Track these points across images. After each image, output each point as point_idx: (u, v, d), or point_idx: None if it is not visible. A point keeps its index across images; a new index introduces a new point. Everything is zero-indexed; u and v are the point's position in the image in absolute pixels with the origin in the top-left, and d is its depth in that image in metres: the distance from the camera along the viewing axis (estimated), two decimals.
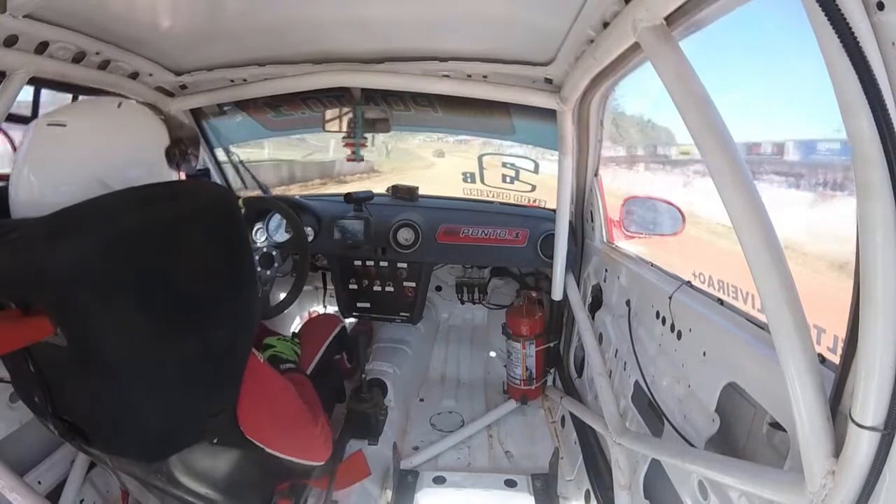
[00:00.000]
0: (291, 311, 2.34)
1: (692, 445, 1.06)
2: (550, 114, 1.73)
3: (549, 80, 1.64)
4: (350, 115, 2.09)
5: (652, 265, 1.49)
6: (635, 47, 0.99)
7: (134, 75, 1.64)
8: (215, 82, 1.87)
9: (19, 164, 0.85)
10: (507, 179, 2.36)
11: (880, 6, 0.52)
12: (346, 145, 2.12)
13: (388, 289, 2.28)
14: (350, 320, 2.53)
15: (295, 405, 1.11)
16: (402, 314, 2.31)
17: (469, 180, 2.53)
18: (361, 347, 1.83)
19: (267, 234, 2.04)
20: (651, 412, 1.31)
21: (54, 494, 1.41)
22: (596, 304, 1.87)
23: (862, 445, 0.58)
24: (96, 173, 0.84)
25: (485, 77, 1.71)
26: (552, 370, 2.23)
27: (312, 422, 1.15)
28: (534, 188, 2.37)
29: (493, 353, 2.59)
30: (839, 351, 0.68)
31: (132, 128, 0.93)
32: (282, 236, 2.02)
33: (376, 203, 2.23)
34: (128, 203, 0.79)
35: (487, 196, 2.48)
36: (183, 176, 1.00)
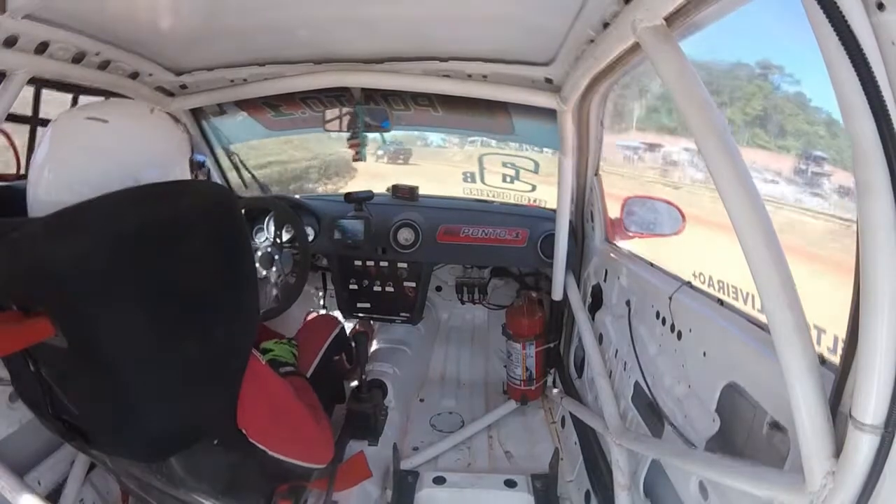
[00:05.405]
0: (292, 311, 2.34)
1: (692, 446, 1.06)
2: (550, 114, 1.73)
3: (549, 80, 1.64)
4: (350, 115, 2.10)
5: (652, 265, 1.49)
6: (635, 47, 0.99)
7: (134, 75, 1.64)
8: (215, 82, 1.86)
9: (47, 159, 0.84)
10: (508, 179, 2.36)
11: (880, 6, 0.52)
12: (352, 146, 2.13)
13: (388, 289, 2.27)
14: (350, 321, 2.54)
15: (296, 407, 1.11)
16: (402, 314, 2.30)
17: (469, 180, 2.54)
18: (361, 348, 1.83)
19: (267, 234, 2.04)
20: (651, 413, 1.31)
21: (54, 495, 1.41)
22: (596, 305, 1.86)
23: (862, 445, 0.58)
24: (134, 173, 0.84)
25: (485, 77, 1.70)
26: (552, 370, 2.23)
27: (314, 424, 1.15)
28: (534, 188, 2.37)
29: (493, 357, 2.58)
30: (839, 351, 0.68)
31: (168, 133, 0.94)
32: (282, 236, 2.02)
33: (376, 203, 2.23)
34: (128, 202, 0.79)
35: (487, 196, 2.48)
36: None
